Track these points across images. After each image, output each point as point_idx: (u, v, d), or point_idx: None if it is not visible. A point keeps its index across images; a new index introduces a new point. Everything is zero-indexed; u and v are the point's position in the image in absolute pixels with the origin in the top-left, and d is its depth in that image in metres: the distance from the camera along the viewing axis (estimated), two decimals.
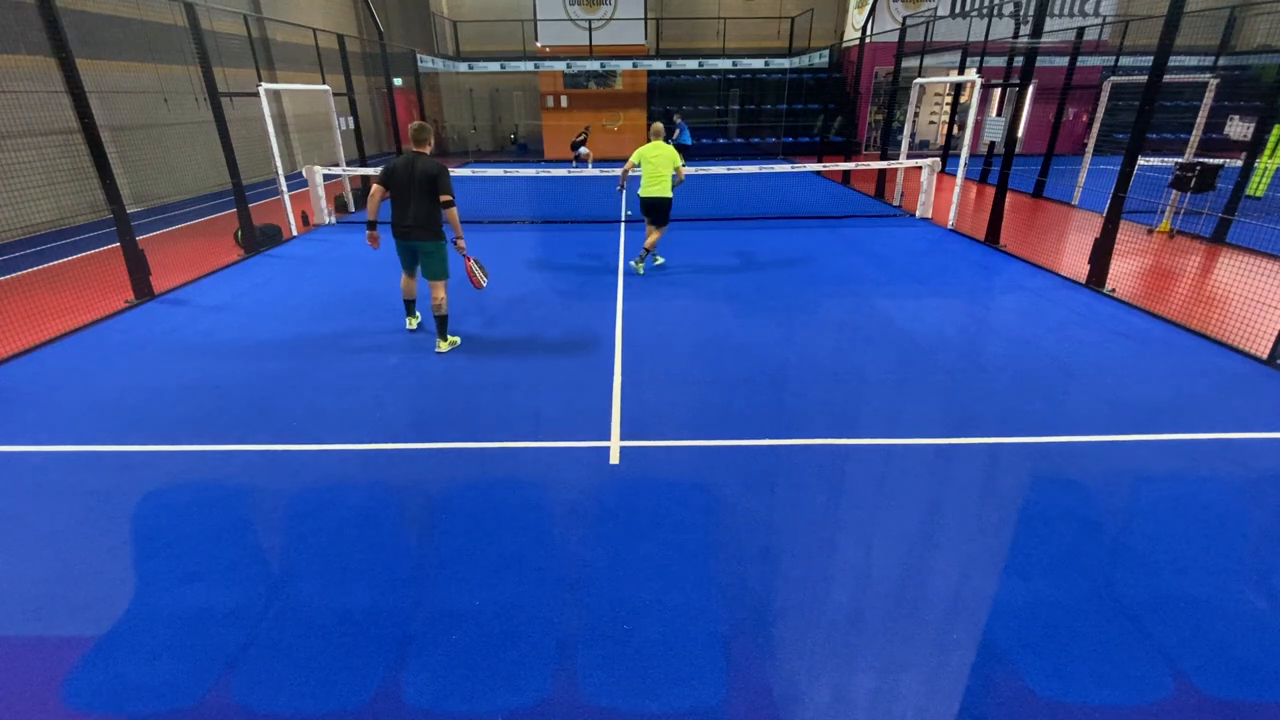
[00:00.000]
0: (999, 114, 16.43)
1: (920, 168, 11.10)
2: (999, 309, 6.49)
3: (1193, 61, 15.04)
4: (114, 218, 6.53)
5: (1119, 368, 5.03)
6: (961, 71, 15.72)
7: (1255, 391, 4.62)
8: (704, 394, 4.66)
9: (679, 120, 17.82)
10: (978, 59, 14.53)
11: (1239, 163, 8.66)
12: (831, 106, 19.61)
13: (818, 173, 16.44)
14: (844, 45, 20.40)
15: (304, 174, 11.11)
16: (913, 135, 13.09)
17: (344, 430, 4.16)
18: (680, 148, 12.56)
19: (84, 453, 3.95)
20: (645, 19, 20.49)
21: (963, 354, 5.32)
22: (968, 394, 4.60)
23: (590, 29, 20.36)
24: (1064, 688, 2.32)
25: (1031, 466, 3.71)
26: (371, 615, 2.67)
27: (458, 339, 5.59)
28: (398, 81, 16.80)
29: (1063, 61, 13.90)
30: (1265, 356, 5.08)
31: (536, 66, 20.70)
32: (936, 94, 20.57)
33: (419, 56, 17.96)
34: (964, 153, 10.04)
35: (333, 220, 11.30)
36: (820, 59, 19.83)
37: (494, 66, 20.87)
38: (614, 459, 3.82)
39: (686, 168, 7.98)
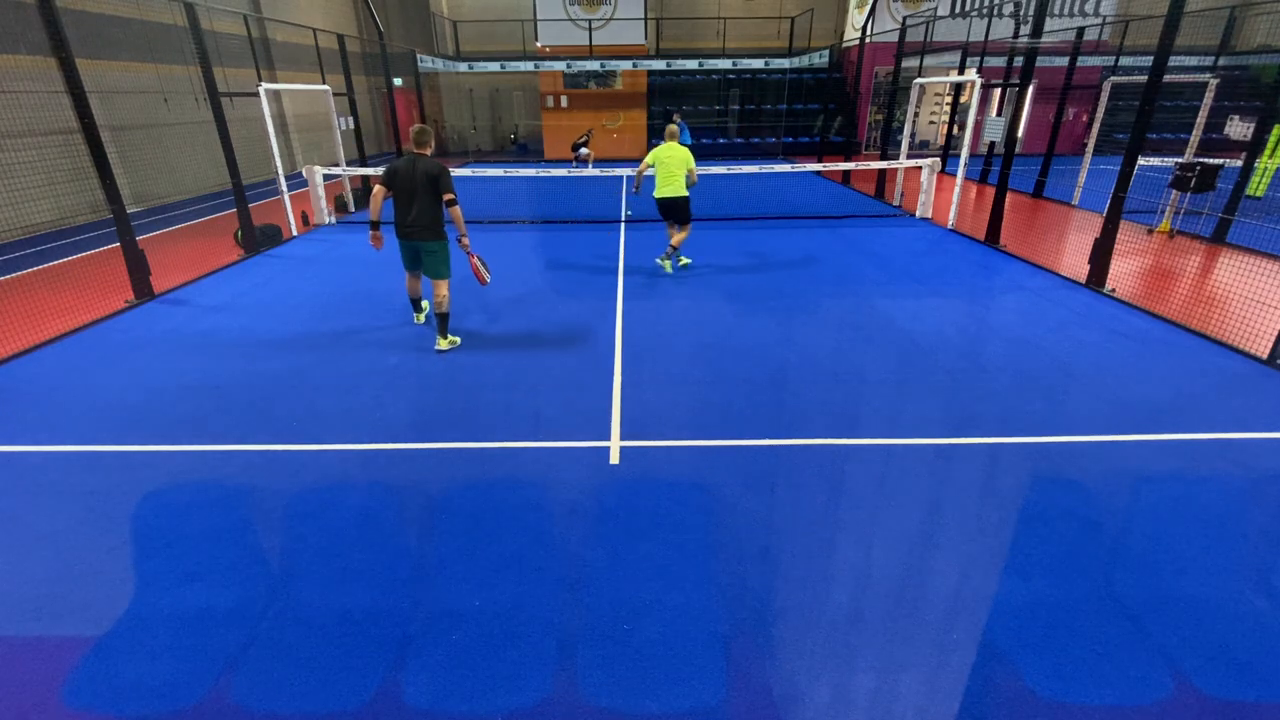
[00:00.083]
0: (999, 114, 16.43)
1: (920, 168, 11.09)
2: (999, 309, 6.49)
3: (1193, 61, 15.05)
4: (114, 218, 6.54)
5: (1119, 368, 5.03)
6: (961, 71, 15.72)
7: (1255, 391, 4.62)
8: (704, 394, 4.66)
9: (679, 120, 17.80)
10: (978, 59, 14.53)
11: (1239, 163, 8.66)
12: (831, 106, 19.61)
13: (818, 173, 16.44)
14: (844, 45, 20.40)
15: (304, 174, 11.11)
16: (913, 135, 13.08)
17: (344, 430, 4.17)
18: None
19: (84, 453, 3.95)
20: (645, 19, 20.49)
21: (963, 354, 5.32)
22: (968, 394, 4.60)
23: (590, 29, 20.36)
24: (1064, 688, 2.32)
25: (1031, 466, 3.71)
26: (371, 615, 2.67)
27: (458, 338, 5.61)
28: (398, 81, 16.80)
29: (1063, 61, 13.91)
30: (1265, 356, 5.08)
31: (536, 66, 20.70)
32: (936, 94, 20.57)
33: (419, 56, 17.95)
34: (964, 153, 10.04)
35: (333, 220, 11.30)
36: (820, 59, 19.82)
37: (494, 66, 20.87)
38: (614, 459, 3.82)
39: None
